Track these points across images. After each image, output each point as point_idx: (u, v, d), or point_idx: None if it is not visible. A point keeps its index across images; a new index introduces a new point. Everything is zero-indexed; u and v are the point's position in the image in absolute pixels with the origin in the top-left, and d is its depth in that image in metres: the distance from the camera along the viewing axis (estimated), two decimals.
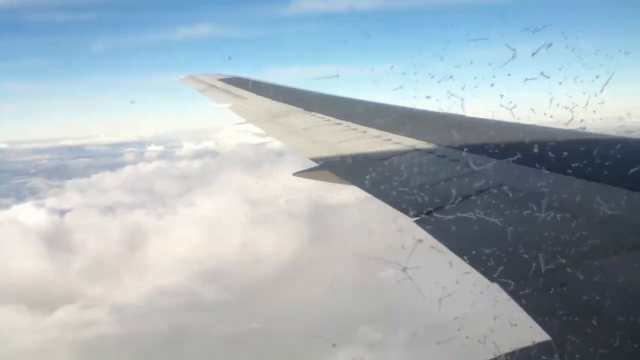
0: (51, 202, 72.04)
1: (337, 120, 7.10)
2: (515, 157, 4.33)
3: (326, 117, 7.42)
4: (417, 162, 4.93)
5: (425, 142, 5.32)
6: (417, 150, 5.21)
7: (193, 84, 13.34)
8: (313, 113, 7.89)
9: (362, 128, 6.47)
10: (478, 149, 4.77)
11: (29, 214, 63.34)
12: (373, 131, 6.23)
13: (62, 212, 65.74)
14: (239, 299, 41.39)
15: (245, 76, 12.96)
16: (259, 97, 10.19)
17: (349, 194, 5.15)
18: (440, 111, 6.11)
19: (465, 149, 4.80)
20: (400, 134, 5.79)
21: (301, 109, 8.31)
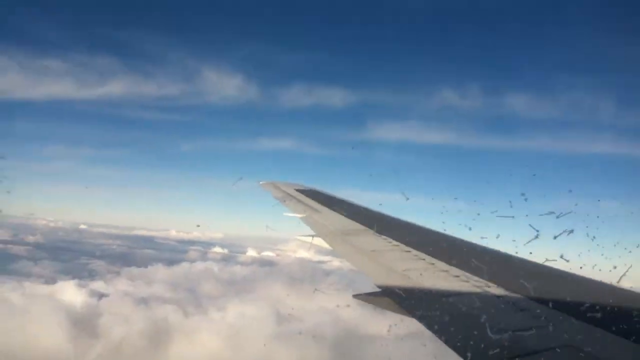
0: (97, 285, 75.46)
1: (407, 247, 7.21)
2: (593, 317, 4.22)
3: (395, 242, 7.56)
4: (483, 305, 4.88)
5: (495, 285, 5.29)
6: (485, 292, 5.17)
7: (271, 191, 14.03)
8: (384, 236, 8.06)
9: (431, 259, 6.52)
10: (553, 302, 4.67)
11: (69, 292, 66.59)
12: (442, 264, 6.27)
13: (101, 296, 68.77)
14: None
15: (323, 190, 13.55)
16: (333, 212, 10.55)
17: (402, 324, 5.13)
18: (519, 255, 6.12)
19: (539, 300, 4.73)
20: (468, 272, 5.79)
21: (372, 230, 8.52)
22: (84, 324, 58.66)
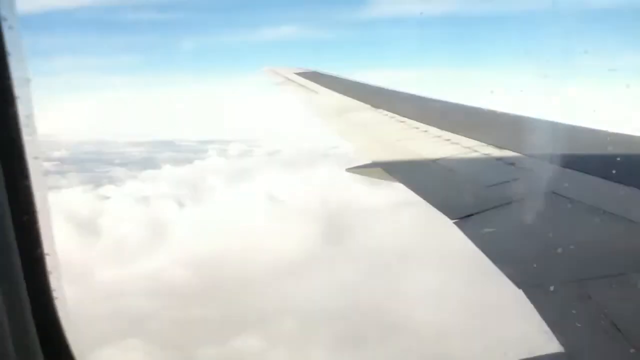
0: (107, 189, 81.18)
1: (401, 118, 7.20)
2: (577, 164, 4.25)
3: (391, 114, 7.54)
4: (470, 163, 4.94)
5: (485, 144, 5.30)
6: (474, 151, 5.21)
7: (273, 77, 13.94)
8: (380, 110, 8.04)
9: (424, 127, 6.53)
10: (539, 154, 4.70)
11: (75, 199, 72.31)
12: (435, 130, 6.28)
13: (105, 199, 74.43)
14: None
15: (322, 71, 13.40)
16: (331, 91, 10.48)
17: (395, 193, 5.25)
18: (507, 112, 6.09)
19: (526, 153, 4.76)
20: (461, 134, 5.79)
21: (369, 106, 8.48)
22: (85, 226, 64.32)
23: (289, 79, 13.10)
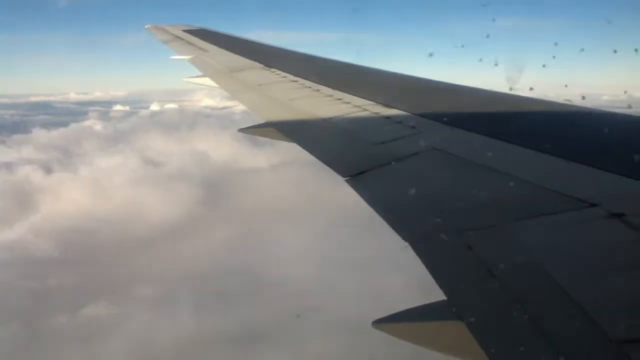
0: None
1: (294, 78, 7.21)
2: (460, 122, 4.50)
3: (283, 74, 7.52)
4: (361, 122, 5.07)
5: (375, 103, 5.46)
6: (364, 110, 5.35)
7: (158, 35, 13.30)
8: (273, 69, 7.98)
9: (317, 86, 6.58)
10: (425, 112, 4.92)
11: None
12: (327, 90, 6.36)
13: None
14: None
15: (213, 29, 13.00)
16: (222, 50, 10.23)
17: (287, 152, 5.29)
18: (401, 73, 6.29)
19: (412, 111, 4.96)
20: (352, 94, 5.92)
21: (262, 65, 8.39)
22: None
23: (176, 37, 12.61)
